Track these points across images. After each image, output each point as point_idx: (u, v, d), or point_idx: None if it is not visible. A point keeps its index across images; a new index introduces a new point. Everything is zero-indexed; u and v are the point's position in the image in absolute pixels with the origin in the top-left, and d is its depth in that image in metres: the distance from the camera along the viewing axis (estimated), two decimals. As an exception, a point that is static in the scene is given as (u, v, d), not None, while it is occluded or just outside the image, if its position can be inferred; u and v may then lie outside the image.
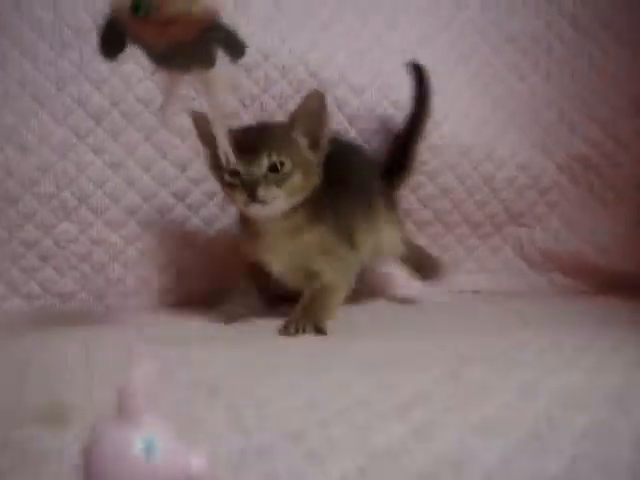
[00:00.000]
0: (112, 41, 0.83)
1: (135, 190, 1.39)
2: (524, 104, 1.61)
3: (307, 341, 1.08)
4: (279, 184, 1.12)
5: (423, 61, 1.49)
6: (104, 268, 1.39)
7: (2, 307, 1.34)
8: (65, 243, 1.36)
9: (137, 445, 0.34)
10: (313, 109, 1.16)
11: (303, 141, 1.17)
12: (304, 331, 1.11)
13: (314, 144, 1.18)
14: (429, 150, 1.52)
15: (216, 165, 1.19)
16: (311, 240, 1.21)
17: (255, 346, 1.05)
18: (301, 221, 1.20)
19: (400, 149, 1.47)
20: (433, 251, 1.55)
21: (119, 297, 1.40)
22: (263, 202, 1.12)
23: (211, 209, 1.44)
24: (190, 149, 1.40)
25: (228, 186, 1.17)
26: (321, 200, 1.20)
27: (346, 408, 0.69)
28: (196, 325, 1.22)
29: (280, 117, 1.42)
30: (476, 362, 0.88)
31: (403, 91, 1.47)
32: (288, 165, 1.13)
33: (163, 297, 1.43)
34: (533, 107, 1.62)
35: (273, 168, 1.12)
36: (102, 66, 1.34)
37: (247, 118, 1.42)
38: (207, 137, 1.17)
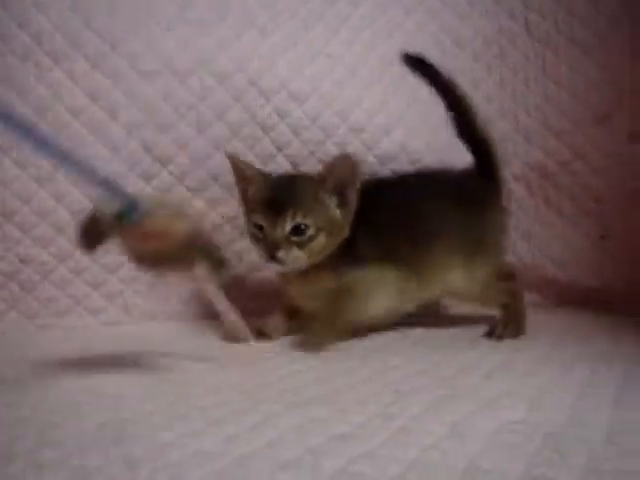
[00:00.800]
0: (93, 235, 0.82)
1: (64, 205, 1.31)
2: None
3: (238, 371, 1.01)
4: (301, 247, 1.11)
5: (368, 69, 1.44)
6: (35, 287, 1.32)
7: None
8: (-9, 261, 1.29)
9: None
10: (344, 171, 1.12)
11: (331, 201, 1.15)
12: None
13: (343, 203, 1.15)
14: (377, 159, 1.47)
15: (245, 204, 1.21)
16: (330, 286, 1.16)
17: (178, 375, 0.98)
18: (320, 271, 1.16)
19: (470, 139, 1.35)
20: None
21: (51, 317, 1.33)
22: (282, 263, 1.11)
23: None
24: (124, 162, 1.34)
25: (252, 237, 1.17)
26: (343, 250, 1.17)
27: (251, 456, 0.63)
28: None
29: (218, 127, 1.37)
30: (413, 395, 0.83)
31: (347, 101, 1.42)
32: (312, 229, 1.11)
33: (98, 316, 1.36)
34: (487, 115, 1.56)
35: (296, 229, 1.11)
36: (28, 74, 1.28)
37: (183, 127, 1.36)
38: (238, 174, 1.20)
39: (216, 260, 0.83)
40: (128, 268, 1.36)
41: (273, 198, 1.13)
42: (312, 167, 1.42)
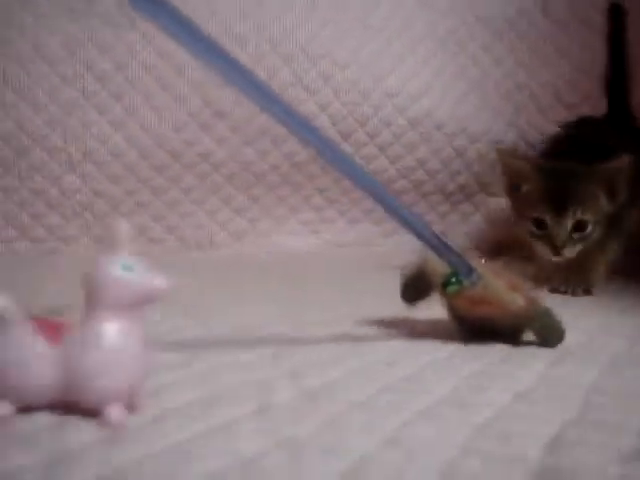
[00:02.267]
0: (418, 290, 0.81)
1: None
2: (498, 86, 1.74)
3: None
4: (582, 242, 1.17)
5: (403, 43, 1.64)
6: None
7: (13, 248, 1.48)
8: None
9: (119, 266, 0.48)
10: (619, 171, 1.16)
11: (603, 194, 1.18)
12: (574, 293, 1.20)
13: (613, 196, 1.19)
14: (408, 122, 1.66)
15: (511, 194, 1.28)
16: (593, 256, 1.24)
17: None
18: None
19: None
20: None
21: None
22: (565, 257, 1.18)
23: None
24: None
25: (529, 232, 1.21)
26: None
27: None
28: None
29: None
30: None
31: (383, 69, 1.64)
32: (591, 224, 1.17)
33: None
34: (506, 89, 1.75)
35: (577, 225, 1.16)
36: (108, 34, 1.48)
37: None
38: (507, 169, 1.25)
39: (548, 334, 0.77)
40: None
41: (553, 194, 1.17)
42: (350, 126, 1.62)
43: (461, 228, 1.76)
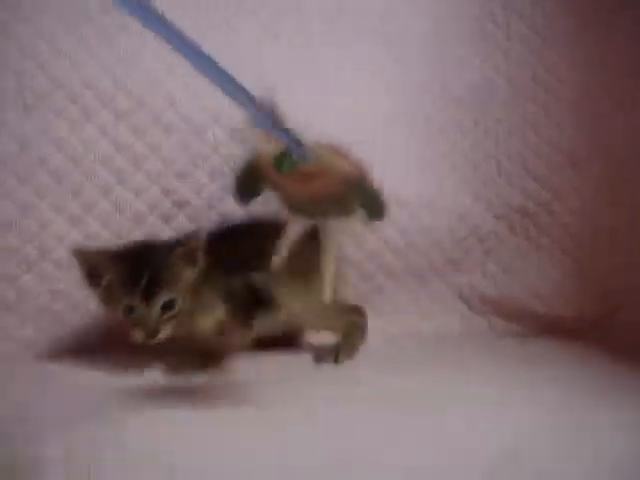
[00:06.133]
0: (249, 186, 0.81)
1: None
2: (464, 158, 1.72)
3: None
4: (172, 319, 1.18)
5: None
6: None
7: None
8: None
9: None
10: (196, 248, 1.21)
11: (181, 263, 1.20)
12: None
13: (194, 266, 1.22)
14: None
15: (95, 289, 1.22)
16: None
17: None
18: None
19: None
20: (376, 300, 1.66)
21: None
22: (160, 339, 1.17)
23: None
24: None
25: (127, 322, 1.18)
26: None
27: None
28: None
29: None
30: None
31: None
32: (179, 301, 1.18)
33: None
34: (473, 161, 1.72)
35: (165, 305, 1.17)
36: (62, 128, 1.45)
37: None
38: (85, 266, 1.20)
39: (375, 206, 0.77)
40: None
41: (137, 279, 1.17)
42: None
43: (432, 308, 1.73)
